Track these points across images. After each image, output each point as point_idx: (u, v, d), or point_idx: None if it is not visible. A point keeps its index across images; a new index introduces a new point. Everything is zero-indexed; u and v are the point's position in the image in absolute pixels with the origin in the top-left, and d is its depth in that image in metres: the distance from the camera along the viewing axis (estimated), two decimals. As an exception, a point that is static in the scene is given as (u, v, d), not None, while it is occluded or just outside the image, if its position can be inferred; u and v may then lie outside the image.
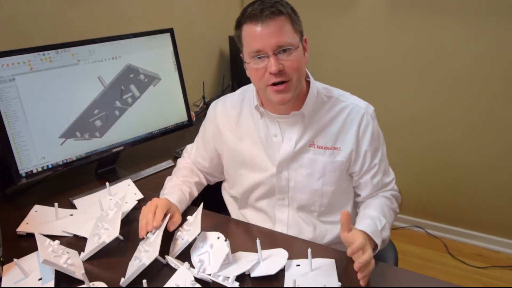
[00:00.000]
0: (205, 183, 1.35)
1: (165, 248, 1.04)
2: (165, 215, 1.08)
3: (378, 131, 1.18)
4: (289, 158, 1.15)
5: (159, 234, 1.02)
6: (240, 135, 1.21)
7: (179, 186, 1.23)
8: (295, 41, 1.03)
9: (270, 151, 1.17)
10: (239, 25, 1.06)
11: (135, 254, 1.02)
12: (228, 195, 1.34)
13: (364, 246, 0.92)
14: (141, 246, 1.03)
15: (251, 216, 1.26)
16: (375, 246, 1.02)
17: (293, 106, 1.12)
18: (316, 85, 1.16)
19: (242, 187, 1.24)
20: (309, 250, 0.94)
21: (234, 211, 1.32)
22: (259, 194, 1.23)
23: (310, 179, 1.15)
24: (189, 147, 1.39)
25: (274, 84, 1.03)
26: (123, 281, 0.93)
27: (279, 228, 1.20)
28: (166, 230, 1.07)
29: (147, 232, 1.04)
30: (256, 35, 1.01)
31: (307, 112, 1.12)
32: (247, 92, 1.22)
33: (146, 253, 0.98)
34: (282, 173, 1.17)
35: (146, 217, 1.05)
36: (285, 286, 0.92)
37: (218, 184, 1.40)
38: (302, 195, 1.17)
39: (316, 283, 0.91)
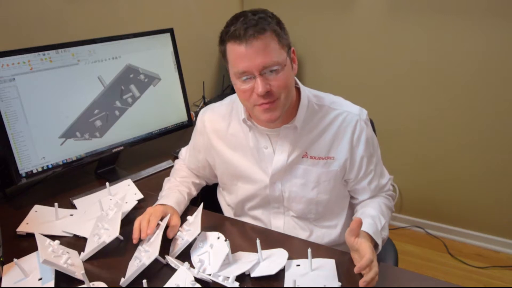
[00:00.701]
0: (204, 183, 1.35)
1: (165, 248, 1.04)
2: (162, 218, 1.09)
3: (372, 136, 1.16)
4: (282, 170, 1.14)
5: (159, 234, 1.02)
6: (231, 147, 1.19)
7: (177, 187, 1.23)
8: (282, 59, 0.99)
9: (262, 163, 1.15)
10: (223, 42, 1.01)
11: (135, 254, 1.02)
12: (224, 201, 1.33)
13: (371, 263, 0.90)
14: (141, 246, 1.03)
15: None
16: (375, 245, 1.02)
17: (284, 119, 1.09)
18: (306, 93, 1.13)
19: (236, 197, 1.24)
20: (309, 250, 0.94)
21: (230, 216, 1.31)
22: (253, 204, 1.22)
23: (305, 189, 1.14)
24: (183, 150, 1.38)
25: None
26: (123, 281, 0.93)
27: None
28: (165, 233, 1.07)
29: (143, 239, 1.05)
30: (241, 56, 0.96)
31: (299, 124, 1.10)
32: (235, 102, 1.18)
33: (146, 253, 0.98)
34: (276, 184, 1.15)
35: (141, 225, 1.05)
36: (285, 286, 0.92)
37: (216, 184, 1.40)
38: (297, 204, 1.17)
39: (316, 283, 0.91)
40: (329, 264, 0.98)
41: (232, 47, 0.98)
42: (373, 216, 1.07)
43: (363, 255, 0.91)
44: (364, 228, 1.00)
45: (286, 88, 1.01)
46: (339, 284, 0.91)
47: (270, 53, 0.96)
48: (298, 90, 1.13)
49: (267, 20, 0.97)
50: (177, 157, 1.51)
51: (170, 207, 1.13)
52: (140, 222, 1.05)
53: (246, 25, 0.95)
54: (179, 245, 1.03)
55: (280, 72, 0.99)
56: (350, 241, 0.96)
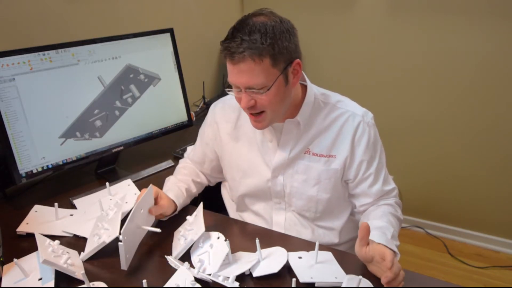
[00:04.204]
0: (205, 183, 1.35)
1: (165, 248, 1.04)
2: (157, 199, 1.11)
3: (375, 139, 1.14)
4: (284, 164, 1.14)
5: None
6: (237, 139, 1.21)
7: (176, 184, 1.24)
8: (269, 80, 0.98)
9: (266, 156, 1.16)
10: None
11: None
12: (227, 195, 1.34)
13: (394, 259, 0.87)
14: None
15: (248, 219, 1.26)
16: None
17: (288, 114, 1.11)
18: (313, 91, 1.14)
19: (238, 191, 1.24)
20: (317, 243, 0.96)
21: (232, 212, 1.32)
22: (255, 198, 1.23)
23: (305, 185, 1.15)
24: (189, 149, 1.39)
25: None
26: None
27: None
28: (162, 225, 1.07)
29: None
30: (230, 70, 1.01)
31: (302, 120, 1.11)
32: None
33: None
34: (277, 178, 1.16)
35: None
36: (299, 280, 0.91)
37: (218, 184, 1.40)
38: (297, 200, 1.17)
39: (327, 275, 0.92)
40: (328, 256, 1.00)
41: (225, 59, 1.02)
42: (381, 227, 1.02)
43: (382, 254, 0.87)
44: (373, 239, 0.96)
45: (270, 106, 1.02)
46: (345, 274, 0.91)
47: (254, 76, 0.97)
48: (305, 87, 1.14)
49: (256, 44, 0.94)
50: (177, 157, 1.51)
51: (161, 191, 1.15)
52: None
53: (235, 48, 0.95)
54: (183, 245, 1.02)
55: (265, 93, 1.00)
56: (362, 252, 0.92)
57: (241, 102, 1.03)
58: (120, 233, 1.02)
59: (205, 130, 1.29)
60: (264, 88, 0.99)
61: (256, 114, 1.04)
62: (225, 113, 1.23)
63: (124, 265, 0.95)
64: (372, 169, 1.13)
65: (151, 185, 1.09)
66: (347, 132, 1.11)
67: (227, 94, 1.12)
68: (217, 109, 1.26)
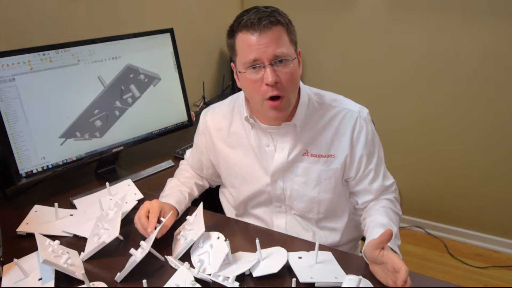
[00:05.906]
0: (207, 185, 1.35)
1: (165, 248, 1.04)
2: (160, 216, 1.09)
3: (373, 135, 1.14)
4: (283, 168, 1.14)
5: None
6: (232, 146, 1.19)
7: (178, 187, 1.23)
8: (291, 52, 1.01)
9: (264, 161, 1.15)
10: (233, 33, 1.03)
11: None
12: (226, 201, 1.33)
13: (408, 278, 0.85)
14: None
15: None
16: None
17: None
18: (306, 92, 1.14)
19: (238, 198, 1.23)
20: (317, 243, 0.96)
21: (232, 217, 1.31)
22: (255, 203, 1.22)
23: (306, 187, 1.14)
24: (188, 152, 1.39)
25: (271, 98, 1.01)
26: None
27: None
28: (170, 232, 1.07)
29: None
30: (253, 44, 0.98)
31: (299, 122, 1.10)
32: (237, 102, 1.19)
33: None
34: (277, 183, 1.15)
35: (140, 223, 1.05)
36: (299, 280, 0.91)
37: (218, 185, 1.40)
38: (299, 203, 1.16)
39: (327, 275, 0.92)
40: (328, 256, 0.99)
41: (243, 36, 1.00)
42: (384, 224, 1.02)
43: (398, 268, 0.86)
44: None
45: (293, 82, 1.03)
46: (345, 274, 0.92)
47: (282, 44, 0.99)
48: (298, 88, 1.13)
49: (280, 14, 1.01)
50: (177, 157, 1.51)
51: (168, 204, 1.13)
52: (139, 222, 1.05)
53: (260, 15, 0.98)
54: (183, 245, 1.02)
55: (290, 64, 1.01)
56: (374, 254, 0.91)
57: (263, 82, 1.00)
58: (119, 234, 1.03)
59: (199, 139, 1.28)
60: (289, 57, 1.00)
61: (276, 99, 1.01)
62: (217, 121, 1.22)
63: (122, 278, 0.95)
64: (372, 165, 1.13)
65: (172, 211, 1.10)
66: (345, 130, 1.11)
67: (227, 94, 1.11)
68: (208, 117, 1.24)
